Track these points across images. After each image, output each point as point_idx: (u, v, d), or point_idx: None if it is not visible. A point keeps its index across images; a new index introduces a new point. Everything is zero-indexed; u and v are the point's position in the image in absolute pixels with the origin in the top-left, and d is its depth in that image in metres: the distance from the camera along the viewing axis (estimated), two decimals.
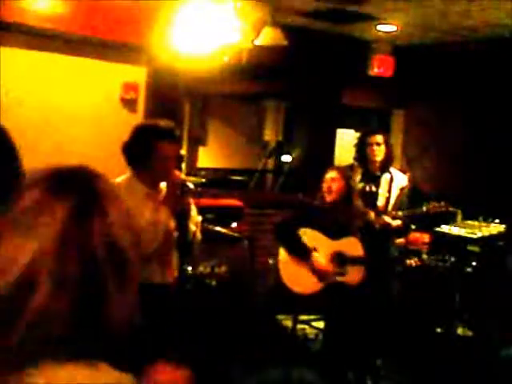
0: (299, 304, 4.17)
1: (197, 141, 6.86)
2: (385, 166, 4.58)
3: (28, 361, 0.77)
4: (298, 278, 4.01)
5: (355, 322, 3.92)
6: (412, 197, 4.64)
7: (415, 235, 5.01)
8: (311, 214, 4.15)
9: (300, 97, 6.73)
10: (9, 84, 4.63)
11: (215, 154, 7.56)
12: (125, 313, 0.84)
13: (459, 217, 5.11)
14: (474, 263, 4.58)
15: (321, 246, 4.04)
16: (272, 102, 7.67)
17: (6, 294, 0.77)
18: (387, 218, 4.40)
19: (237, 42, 4.62)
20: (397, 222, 4.46)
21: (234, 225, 5.08)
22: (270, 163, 7.53)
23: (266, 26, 4.98)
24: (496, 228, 4.78)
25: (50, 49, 4.85)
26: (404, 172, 4.94)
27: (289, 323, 4.58)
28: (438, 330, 4.64)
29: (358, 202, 4.31)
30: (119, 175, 2.90)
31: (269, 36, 4.97)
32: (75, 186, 0.85)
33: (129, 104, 5.24)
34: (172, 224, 2.91)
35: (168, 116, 3.32)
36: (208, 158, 7.31)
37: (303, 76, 6.18)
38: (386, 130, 5.94)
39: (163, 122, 2.94)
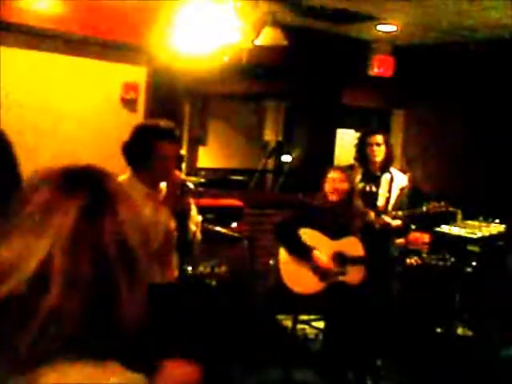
0: (299, 304, 4.17)
1: (197, 141, 6.85)
2: (385, 166, 4.58)
3: (40, 360, 0.77)
4: (298, 278, 4.01)
5: (355, 321, 3.92)
6: (412, 197, 4.64)
7: (415, 235, 5.01)
8: (311, 214, 4.15)
9: (300, 97, 6.73)
10: (9, 84, 4.63)
11: (215, 154, 7.56)
12: (135, 312, 0.84)
13: (459, 217, 5.10)
14: (474, 263, 4.58)
15: (321, 245, 4.04)
16: (272, 102, 7.67)
17: (18, 294, 0.77)
18: (387, 218, 4.40)
19: (237, 42, 4.61)
20: (397, 222, 4.46)
21: (234, 225, 5.09)
22: (270, 163, 7.54)
23: (266, 26, 4.98)
24: (496, 228, 4.78)
25: (50, 49, 4.85)
26: (404, 172, 4.94)
27: (289, 323, 4.57)
28: (438, 330, 4.63)
29: (358, 202, 4.31)
30: (119, 175, 2.90)
31: (269, 36, 4.97)
32: (85, 185, 0.85)
33: (129, 104, 5.24)
34: (172, 224, 2.91)
35: (168, 116, 3.32)
36: (208, 158, 7.31)
37: (303, 76, 6.18)
38: (385, 130, 5.94)
39: (163, 122, 2.94)
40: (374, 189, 4.54)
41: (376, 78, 6.29)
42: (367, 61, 6.25)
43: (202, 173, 6.39)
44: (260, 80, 6.06)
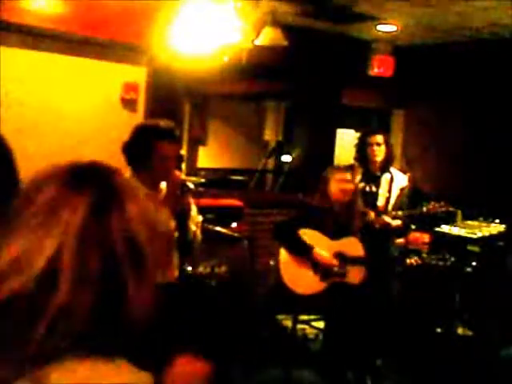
0: (299, 304, 4.17)
1: (197, 141, 6.86)
2: (385, 166, 4.58)
3: (49, 358, 0.77)
4: (299, 279, 4.01)
5: (355, 321, 3.92)
6: (412, 197, 4.65)
7: (415, 235, 5.01)
8: (311, 215, 4.15)
9: (300, 97, 6.74)
10: (9, 84, 4.62)
11: (215, 154, 7.56)
12: (143, 308, 0.83)
13: (459, 217, 5.11)
14: (474, 263, 4.58)
15: (321, 246, 4.04)
16: (272, 102, 7.67)
17: (26, 292, 0.76)
18: (387, 218, 4.40)
19: (237, 42, 4.62)
20: (397, 222, 4.46)
21: (234, 225, 5.09)
22: (270, 163, 7.54)
23: (266, 26, 4.99)
24: (496, 228, 4.78)
25: (50, 49, 4.85)
26: (404, 172, 4.94)
27: (289, 323, 4.57)
28: (438, 330, 4.63)
29: (359, 202, 4.31)
30: None
31: (269, 36, 4.97)
32: (93, 181, 0.85)
33: (129, 104, 5.24)
34: (172, 224, 2.91)
35: (168, 116, 3.32)
36: (208, 158, 7.31)
37: (303, 76, 6.18)
38: (385, 130, 5.94)
39: (163, 122, 2.94)
40: (374, 189, 4.55)
41: (376, 78, 6.29)
42: (367, 61, 6.25)
43: (202, 173, 6.39)
44: (260, 80, 6.06)
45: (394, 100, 6.95)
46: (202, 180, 4.78)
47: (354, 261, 4.07)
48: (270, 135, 7.72)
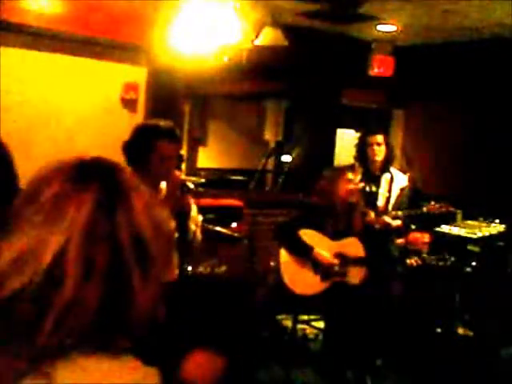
0: (299, 304, 4.17)
1: (197, 141, 6.86)
2: (385, 165, 4.58)
3: (56, 354, 0.77)
4: (299, 279, 4.01)
5: (355, 322, 3.92)
6: (412, 197, 4.64)
7: (415, 235, 5.01)
8: (312, 215, 4.15)
9: (300, 97, 6.73)
10: (9, 84, 4.62)
11: (215, 154, 7.56)
12: (149, 304, 0.83)
13: (459, 217, 5.11)
14: (474, 263, 4.58)
15: (322, 246, 4.04)
16: (272, 102, 7.67)
17: (33, 289, 0.76)
18: (387, 218, 4.40)
19: (237, 42, 4.62)
20: (397, 222, 4.46)
21: (234, 225, 5.09)
22: (270, 163, 7.53)
23: (266, 26, 4.99)
24: (496, 228, 4.78)
25: (50, 49, 4.85)
26: (404, 172, 4.94)
27: (289, 323, 4.58)
28: (438, 330, 4.63)
29: (359, 203, 4.31)
30: None
31: (269, 36, 4.97)
32: (98, 176, 0.84)
33: (129, 104, 5.24)
34: (172, 224, 2.91)
35: (168, 116, 3.32)
36: (208, 158, 7.31)
37: (303, 76, 6.18)
38: (385, 130, 5.94)
39: (163, 122, 2.94)
40: (374, 189, 4.54)
41: (376, 78, 6.29)
42: (367, 61, 6.25)
43: (202, 173, 6.39)
44: (260, 80, 6.06)
45: (394, 100, 6.95)
46: (202, 180, 4.79)
47: (355, 261, 4.07)
48: (270, 135, 7.72)
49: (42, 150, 4.62)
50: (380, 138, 4.57)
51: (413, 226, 4.85)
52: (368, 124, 7.03)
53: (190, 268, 3.97)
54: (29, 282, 0.76)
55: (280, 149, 7.50)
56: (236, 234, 4.90)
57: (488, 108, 6.06)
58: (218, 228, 4.69)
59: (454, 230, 4.79)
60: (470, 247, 4.68)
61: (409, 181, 4.71)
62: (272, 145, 7.64)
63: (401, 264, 4.58)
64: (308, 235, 4.04)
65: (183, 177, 3.01)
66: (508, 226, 4.77)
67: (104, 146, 4.93)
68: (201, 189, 3.61)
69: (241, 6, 4.50)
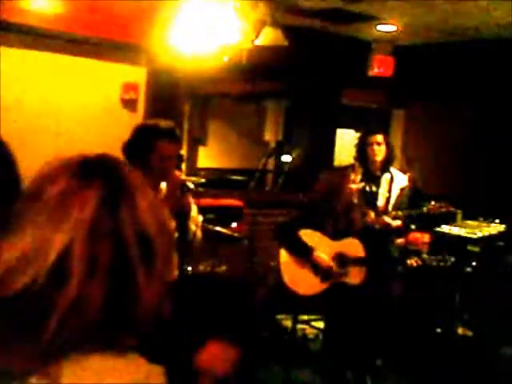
0: (299, 304, 4.17)
1: (197, 141, 6.86)
2: (385, 165, 4.58)
3: (60, 353, 0.77)
4: (299, 279, 4.00)
5: (355, 322, 3.92)
6: (412, 197, 4.64)
7: (415, 235, 5.01)
8: (312, 215, 4.15)
9: (300, 97, 6.74)
10: (9, 84, 4.63)
11: (215, 154, 7.56)
12: (153, 302, 0.83)
13: (459, 217, 5.11)
14: (474, 263, 4.58)
15: (322, 246, 4.04)
16: (272, 102, 7.67)
17: (38, 287, 0.76)
18: (387, 218, 4.40)
19: (237, 42, 4.62)
20: (397, 222, 4.46)
21: (234, 225, 5.09)
22: (270, 163, 7.53)
23: (266, 26, 4.98)
24: (496, 228, 4.78)
25: (50, 49, 4.85)
26: (404, 172, 4.94)
27: (289, 323, 4.58)
28: (438, 330, 4.63)
29: (359, 203, 4.31)
30: None
31: (269, 36, 4.97)
32: (102, 174, 0.84)
33: (129, 104, 5.24)
34: (172, 224, 2.91)
35: (168, 116, 3.32)
36: (208, 158, 7.31)
37: (303, 76, 6.18)
38: (385, 130, 5.94)
39: (163, 122, 2.94)
40: (374, 189, 4.54)
41: (376, 78, 6.29)
42: (367, 61, 6.25)
43: (202, 173, 6.40)
44: (260, 80, 6.06)
45: (394, 100, 6.95)
46: (202, 180, 4.79)
47: (355, 261, 4.07)
48: (269, 135, 7.72)
49: (41, 149, 4.61)
50: (380, 137, 4.56)
51: (413, 226, 4.84)
52: (368, 124, 7.04)
53: (189, 268, 3.98)
54: (33, 281, 0.76)
55: (280, 149, 7.50)
56: (236, 234, 4.90)
57: (488, 108, 6.07)
58: (218, 228, 4.69)
59: (454, 230, 4.79)
60: (469, 247, 4.68)
61: (409, 181, 4.71)
62: (272, 145, 7.64)
63: (401, 264, 4.58)
64: (308, 235, 4.04)
65: (183, 177, 3.00)
66: (508, 225, 4.77)
67: (104, 146, 4.93)
68: (201, 189, 3.62)
69: (241, 6, 4.50)
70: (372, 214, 4.41)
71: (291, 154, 7.21)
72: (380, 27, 5.70)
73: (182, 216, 2.90)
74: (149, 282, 0.82)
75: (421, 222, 4.78)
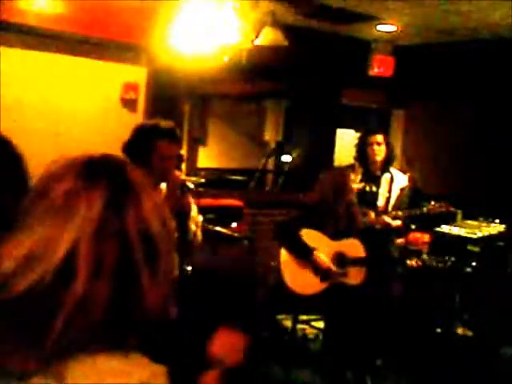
0: (299, 304, 4.17)
1: (197, 141, 6.86)
2: (385, 165, 4.58)
3: (65, 353, 0.77)
4: (299, 279, 4.00)
5: (355, 322, 3.92)
6: (412, 197, 4.64)
7: (415, 235, 5.01)
8: (312, 215, 4.15)
9: (300, 97, 6.74)
10: (9, 84, 4.63)
11: (215, 154, 7.57)
12: (158, 302, 0.83)
13: (459, 217, 5.11)
14: (474, 263, 4.58)
15: (322, 246, 4.04)
16: (272, 102, 7.67)
17: (44, 286, 0.76)
18: (387, 218, 4.40)
19: (237, 42, 4.62)
20: (397, 222, 4.46)
21: (234, 225, 5.09)
22: (270, 163, 7.53)
23: (266, 26, 4.98)
24: (496, 228, 4.79)
25: (49, 49, 4.85)
26: (404, 172, 4.94)
27: (289, 323, 4.58)
28: (438, 330, 4.64)
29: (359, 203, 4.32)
30: None
31: (269, 36, 4.97)
32: (107, 174, 0.84)
33: (129, 104, 5.24)
34: (172, 224, 2.90)
35: (168, 116, 3.32)
36: (208, 158, 7.32)
37: (303, 76, 6.18)
38: (385, 130, 5.94)
39: (163, 122, 2.95)
40: (374, 189, 4.54)
41: (376, 78, 6.29)
42: (367, 61, 6.25)
43: (202, 173, 6.39)
44: (260, 80, 6.06)
45: (394, 100, 6.95)
46: (202, 180, 4.80)
47: (355, 261, 4.07)
48: (269, 135, 7.72)
49: (41, 149, 4.61)
50: (380, 137, 4.56)
51: (413, 226, 4.85)
52: (368, 124, 7.05)
53: (189, 268, 3.98)
54: (41, 279, 0.76)
55: (280, 149, 7.50)
56: (236, 234, 4.90)
57: (488, 108, 6.07)
58: (218, 228, 4.69)
59: (454, 230, 4.79)
60: (469, 247, 4.68)
61: (409, 181, 4.71)
62: (272, 145, 7.65)
63: (401, 264, 4.58)
64: (309, 235, 4.04)
65: (183, 177, 3.00)
66: (508, 225, 4.77)
67: (104, 146, 4.93)
68: (201, 189, 3.62)
69: (240, 6, 4.50)
70: (372, 214, 4.41)
71: (291, 154, 7.21)
72: (380, 27, 5.70)
73: (182, 216, 2.90)
74: (153, 283, 0.82)
75: (421, 222, 4.78)
